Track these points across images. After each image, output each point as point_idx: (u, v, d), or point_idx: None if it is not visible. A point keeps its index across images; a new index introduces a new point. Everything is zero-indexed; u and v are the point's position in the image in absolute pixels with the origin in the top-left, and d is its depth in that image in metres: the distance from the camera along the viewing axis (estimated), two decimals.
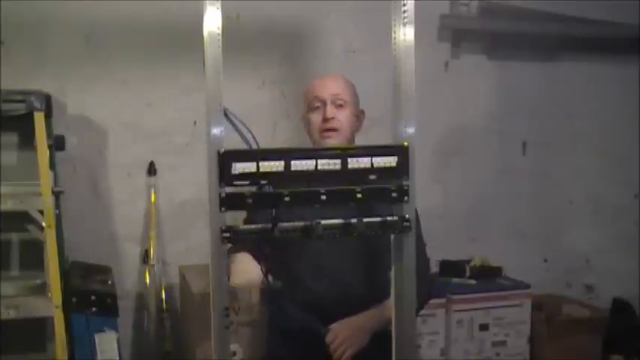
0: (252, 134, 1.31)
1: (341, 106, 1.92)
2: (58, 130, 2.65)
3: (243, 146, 1.28)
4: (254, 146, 1.29)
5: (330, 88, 1.94)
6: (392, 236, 1.32)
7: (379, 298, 1.86)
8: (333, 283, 1.88)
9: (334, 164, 1.25)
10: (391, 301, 1.79)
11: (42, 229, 2.36)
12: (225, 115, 1.21)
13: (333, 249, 1.87)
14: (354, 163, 1.25)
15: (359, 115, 1.99)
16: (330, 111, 1.90)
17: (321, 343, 1.80)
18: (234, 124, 1.27)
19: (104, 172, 2.89)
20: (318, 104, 1.93)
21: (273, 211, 1.23)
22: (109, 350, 2.36)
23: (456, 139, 3.37)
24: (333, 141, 1.90)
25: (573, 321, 3.29)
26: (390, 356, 1.33)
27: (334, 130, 1.91)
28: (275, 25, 3.01)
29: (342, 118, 1.91)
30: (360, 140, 1.97)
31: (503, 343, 3.05)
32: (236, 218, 1.32)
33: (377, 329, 1.84)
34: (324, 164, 1.24)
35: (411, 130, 1.30)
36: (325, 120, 1.90)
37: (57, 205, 2.48)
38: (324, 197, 1.24)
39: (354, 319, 1.84)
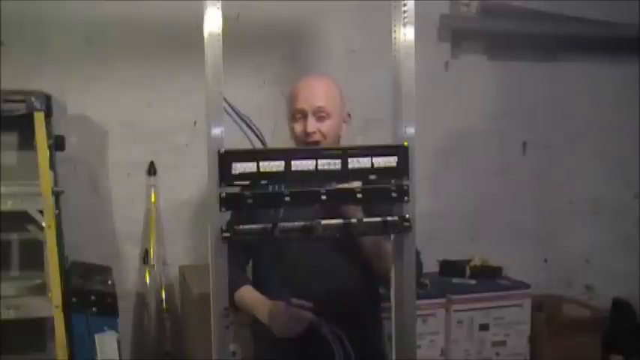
0: (257, 128, 1.32)
1: (323, 117, 1.87)
2: (58, 130, 2.64)
3: (243, 146, 1.28)
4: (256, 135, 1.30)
5: (312, 99, 1.87)
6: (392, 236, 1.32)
7: (371, 293, 1.86)
8: (322, 281, 1.84)
9: (334, 164, 1.25)
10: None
11: (42, 229, 2.36)
12: (226, 109, 1.22)
13: (320, 247, 1.82)
14: (354, 163, 1.26)
15: (345, 119, 1.95)
16: (312, 125, 1.85)
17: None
18: (237, 115, 1.27)
19: (104, 172, 2.89)
20: (299, 115, 1.88)
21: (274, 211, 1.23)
22: (109, 350, 2.36)
23: (456, 139, 3.37)
24: None
25: (573, 321, 3.29)
26: None
27: (316, 142, 1.86)
28: (275, 25, 3.01)
29: (324, 129, 1.87)
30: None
31: (503, 343, 3.05)
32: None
33: None
34: (324, 164, 1.24)
35: (411, 130, 1.30)
36: (307, 134, 1.86)
37: (57, 205, 2.48)
38: (324, 197, 1.24)
39: None
